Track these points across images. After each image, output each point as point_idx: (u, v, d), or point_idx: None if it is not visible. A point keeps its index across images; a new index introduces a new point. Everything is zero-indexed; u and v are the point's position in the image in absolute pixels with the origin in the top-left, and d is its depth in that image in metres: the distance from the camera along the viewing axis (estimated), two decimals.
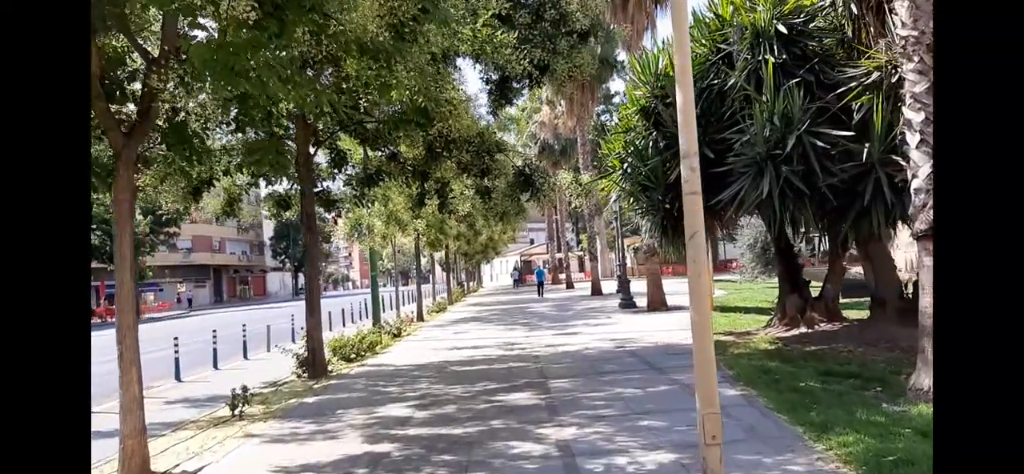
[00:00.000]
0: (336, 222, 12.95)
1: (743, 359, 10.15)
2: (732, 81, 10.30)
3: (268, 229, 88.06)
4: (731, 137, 10.26)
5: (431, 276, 54.90)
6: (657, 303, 21.55)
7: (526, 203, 13.19)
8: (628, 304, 23.52)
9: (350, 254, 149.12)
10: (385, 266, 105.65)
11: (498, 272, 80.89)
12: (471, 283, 68.86)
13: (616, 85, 70.99)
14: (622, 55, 38.48)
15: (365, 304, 36.80)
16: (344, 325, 23.87)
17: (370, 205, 14.25)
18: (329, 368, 12.65)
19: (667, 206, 11.86)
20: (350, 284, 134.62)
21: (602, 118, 58.61)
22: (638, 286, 25.64)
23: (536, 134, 48.14)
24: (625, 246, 29.23)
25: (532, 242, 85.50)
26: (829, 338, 11.25)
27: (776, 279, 27.67)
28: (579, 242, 71.16)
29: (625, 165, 13.49)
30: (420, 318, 24.85)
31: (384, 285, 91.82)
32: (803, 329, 12.38)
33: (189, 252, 75.42)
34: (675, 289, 26.16)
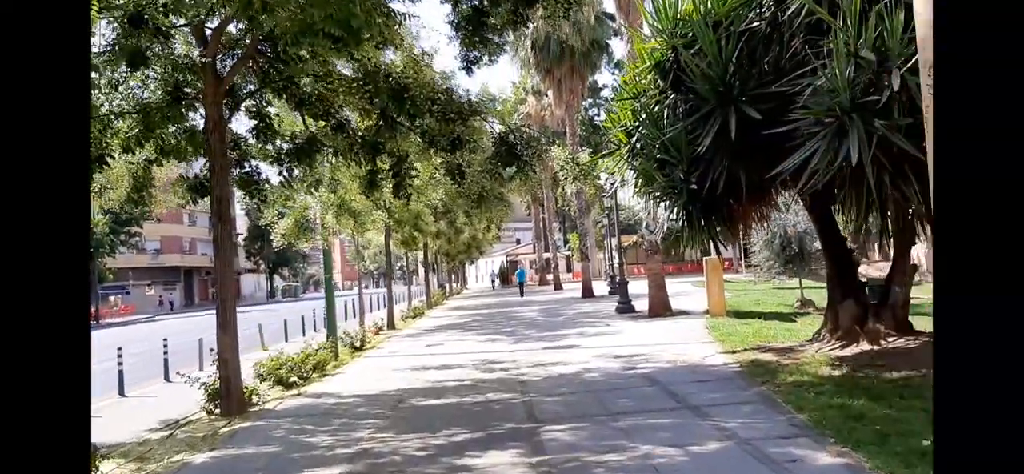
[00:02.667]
0: (260, 209, 10.06)
1: (808, 392, 7.35)
2: (794, 6, 7.51)
3: (242, 229, 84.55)
4: (792, 86, 7.46)
5: (414, 277, 51.64)
6: (660, 308, 18.78)
7: (510, 179, 10.20)
8: (626, 308, 20.74)
9: (335, 255, 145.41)
10: (367, 267, 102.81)
11: (484, 273, 77.93)
12: (455, 284, 65.98)
13: (603, 77, 68.51)
14: (614, 46, 35.83)
15: (352, 305, 33.86)
16: (304, 334, 20.85)
17: (312, 190, 11.34)
18: (254, 399, 9.74)
19: (693, 185, 9.03)
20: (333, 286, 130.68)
21: (590, 113, 56.10)
22: (634, 287, 22.83)
23: (521, 126, 45.20)
24: (618, 244, 26.39)
25: (518, 242, 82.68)
26: (911, 360, 8.47)
27: (794, 281, 24.97)
28: (567, 242, 68.48)
29: (634, 139, 10.67)
30: (391, 326, 21.94)
31: (349, 287, 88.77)
32: (866, 346, 9.61)
33: (157, 253, 72.10)
34: (675, 290, 23.31)
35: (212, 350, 9.64)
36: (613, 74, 59.20)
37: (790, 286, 26.15)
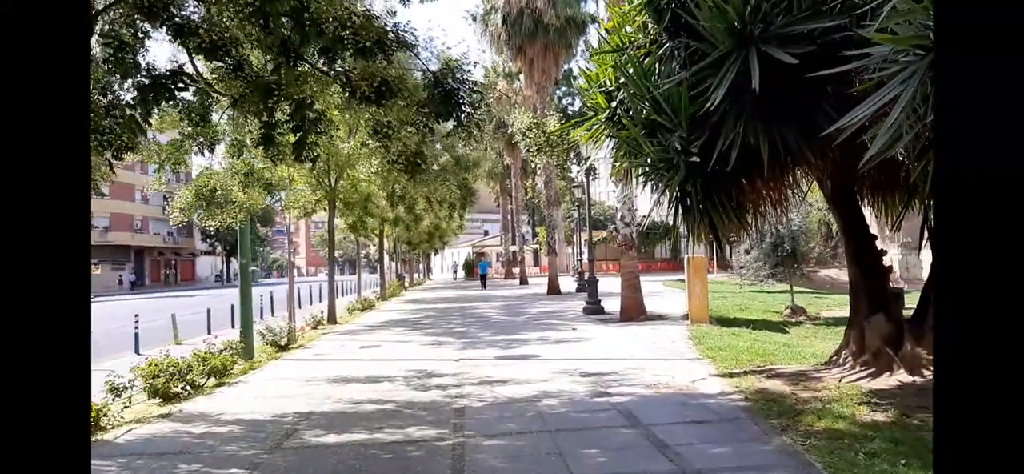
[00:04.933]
0: (112, 169, 7.45)
1: (855, 451, 5.11)
2: None
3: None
4: (846, 16, 5.23)
5: (379, 266, 48.98)
6: (634, 311, 16.59)
7: (449, 137, 7.65)
8: (595, 309, 18.55)
9: (295, 240, 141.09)
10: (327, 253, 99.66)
11: (449, 264, 75.51)
12: (418, 275, 63.46)
13: (580, 65, 66.07)
14: (591, 6, 33.51)
15: (298, 294, 31.01)
16: (233, 326, 18.25)
17: (204, 150, 8.80)
18: (102, 422, 7.26)
19: (694, 157, 6.73)
20: (296, 272, 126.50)
21: (564, 102, 53.73)
22: (602, 285, 20.59)
23: (490, 111, 42.44)
24: (589, 237, 24.07)
25: (486, 233, 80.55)
26: None
27: (776, 284, 22.86)
28: (536, 235, 66.35)
29: (614, 103, 8.38)
30: (331, 320, 19.44)
31: (313, 273, 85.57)
32: (904, 376, 7.44)
33: (106, 231, 68.25)
34: (646, 290, 21.11)
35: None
36: (590, 61, 56.73)
37: (769, 290, 24.19)
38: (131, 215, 73.61)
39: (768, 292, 23.96)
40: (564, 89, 54.62)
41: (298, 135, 7.05)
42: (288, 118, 7.14)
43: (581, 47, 37.08)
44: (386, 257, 49.86)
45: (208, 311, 19.10)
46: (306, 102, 6.91)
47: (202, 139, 8.79)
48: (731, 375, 8.54)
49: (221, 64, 7.76)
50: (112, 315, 25.27)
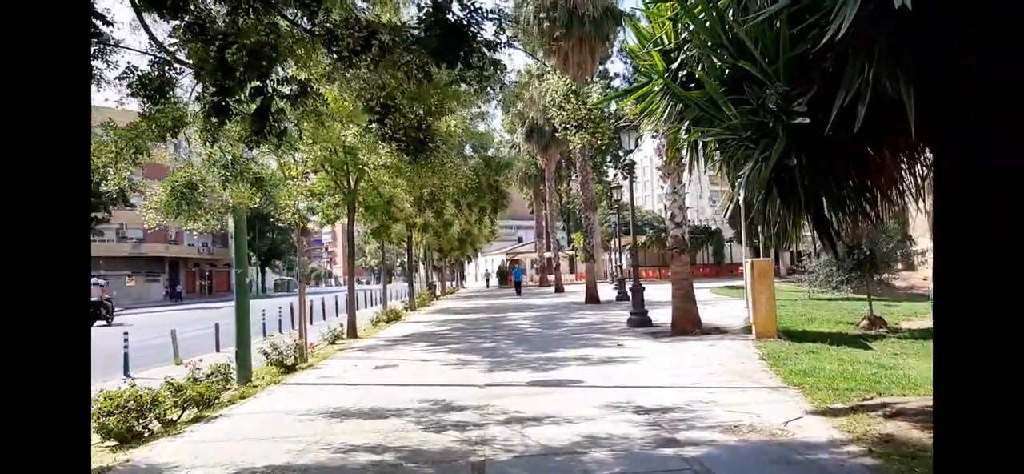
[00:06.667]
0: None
1: None
2: None
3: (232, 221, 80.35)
4: None
5: (409, 274, 47.67)
6: (687, 323, 14.56)
7: (448, 86, 5.69)
8: (641, 321, 16.56)
9: (331, 248, 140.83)
10: (367, 262, 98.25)
11: (483, 271, 73.87)
12: (451, 283, 61.98)
13: (615, 67, 63.95)
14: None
15: (323, 305, 29.67)
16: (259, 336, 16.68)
17: (165, 135, 7.15)
18: None
19: (799, 117, 4.78)
20: (333, 280, 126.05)
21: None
22: (647, 292, 18.45)
23: (523, 113, 40.51)
24: (632, 240, 21.98)
25: (520, 240, 78.71)
26: None
27: (850, 292, 20.52)
28: (571, 241, 64.40)
29: (675, 65, 6.50)
30: (351, 334, 17.79)
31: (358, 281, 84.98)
32: None
33: (139, 242, 68.23)
34: (697, 298, 18.88)
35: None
36: (625, 63, 54.76)
37: (831, 297, 21.94)
38: (165, 227, 73.45)
39: (831, 300, 21.73)
40: (600, 87, 52.60)
41: (259, 100, 5.30)
42: (243, 76, 5.39)
43: (617, 45, 35.22)
44: (421, 266, 48.49)
45: (216, 327, 17.55)
46: (263, 50, 5.16)
47: (163, 121, 7.11)
48: (834, 413, 6.55)
49: (177, 23, 6.11)
50: (122, 329, 23.99)
